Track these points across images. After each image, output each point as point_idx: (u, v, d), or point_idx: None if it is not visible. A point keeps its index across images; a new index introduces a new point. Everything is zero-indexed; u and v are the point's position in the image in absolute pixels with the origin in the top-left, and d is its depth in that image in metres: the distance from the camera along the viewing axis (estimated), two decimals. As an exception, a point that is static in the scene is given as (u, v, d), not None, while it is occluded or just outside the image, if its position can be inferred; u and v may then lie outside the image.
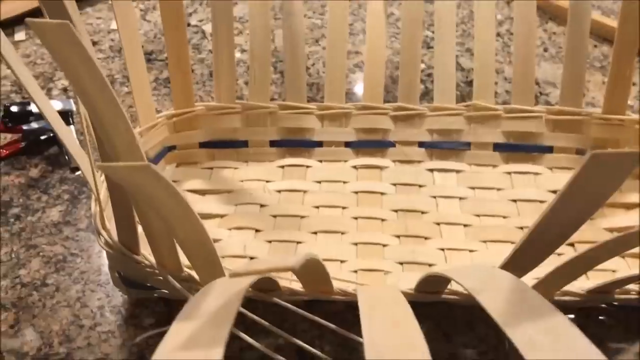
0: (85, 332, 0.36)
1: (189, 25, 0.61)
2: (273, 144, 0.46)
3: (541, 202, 0.43)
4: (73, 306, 0.37)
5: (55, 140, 0.48)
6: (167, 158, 0.45)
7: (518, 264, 0.25)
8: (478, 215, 0.42)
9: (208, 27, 0.60)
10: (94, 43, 0.59)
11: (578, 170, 0.18)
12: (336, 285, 0.32)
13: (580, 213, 0.21)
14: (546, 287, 0.29)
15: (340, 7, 0.45)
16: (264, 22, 0.44)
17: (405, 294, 0.32)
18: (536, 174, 0.45)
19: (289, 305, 0.31)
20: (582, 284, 0.33)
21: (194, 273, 0.32)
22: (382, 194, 0.44)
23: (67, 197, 0.44)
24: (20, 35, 0.59)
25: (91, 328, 0.36)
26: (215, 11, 0.43)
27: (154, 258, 0.32)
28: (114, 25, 0.61)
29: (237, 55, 0.58)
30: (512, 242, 0.40)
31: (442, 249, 0.40)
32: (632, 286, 0.33)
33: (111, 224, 0.34)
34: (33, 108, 0.47)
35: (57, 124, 0.29)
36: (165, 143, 0.45)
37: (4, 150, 0.47)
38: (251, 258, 0.39)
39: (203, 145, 0.46)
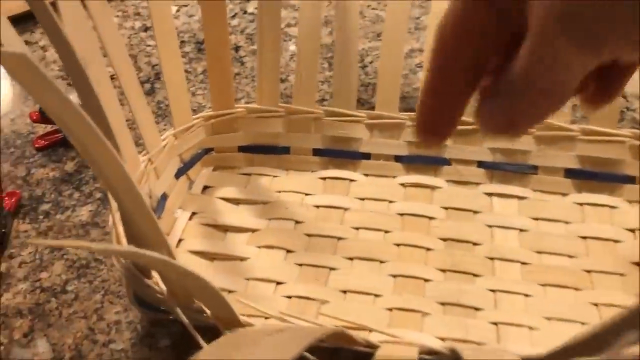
0: (98, 348, 0.34)
1: (245, 12, 0.58)
2: (316, 152, 0.43)
3: (615, 241, 0.37)
4: (89, 318, 0.36)
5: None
6: (204, 160, 0.42)
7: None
8: (539, 252, 0.37)
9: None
10: (147, 28, 0.57)
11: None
12: (360, 334, 0.29)
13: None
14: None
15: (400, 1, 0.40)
16: (315, 23, 0.40)
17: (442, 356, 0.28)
18: (613, 207, 0.39)
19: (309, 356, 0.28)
20: None
21: (204, 306, 0.29)
22: (430, 218, 0.39)
23: (99, 195, 0.42)
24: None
25: (104, 345, 0.34)
26: (262, 2, 0.39)
27: (165, 285, 0.29)
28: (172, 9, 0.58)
29: (292, 48, 0.54)
30: (576, 289, 0.35)
31: (493, 291, 0.35)
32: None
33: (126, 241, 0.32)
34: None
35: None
36: (203, 145, 0.42)
37: (43, 141, 0.46)
38: (278, 283, 0.36)
39: (242, 149, 0.43)
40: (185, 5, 0.59)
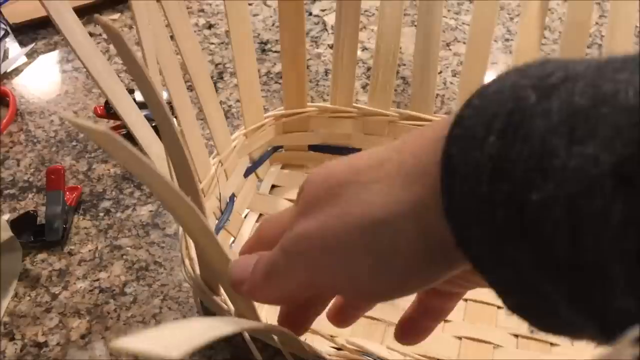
0: (157, 355, 0.32)
1: (309, 14, 0.56)
2: (389, 157, 0.40)
3: None
4: (148, 323, 0.34)
5: (157, 131, 0.45)
6: (273, 158, 0.41)
7: None
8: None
9: (330, 19, 0.55)
10: (210, 26, 0.55)
11: None
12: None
13: None
14: None
15: (488, 6, 0.38)
16: (395, 18, 0.38)
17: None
18: None
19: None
20: None
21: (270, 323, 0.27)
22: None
23: (160, 195, 0.41)
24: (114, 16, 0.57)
25: (163, 352, 0.32)
26: (342, 1, 0.37)
27: (232, 305, 0.28)
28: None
29: (358, 53, 0.52)
30: None
31: (572, 323, 0.32)
32: None
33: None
34: (137, 95, 0.44)
35: (140, 131, 0.25)
36: (272, 143, 0.40)
37: (105, 137, 0.45)
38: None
39: (312, 148, 0.41)
40: (250, 4, 0.57)
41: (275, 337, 0.26)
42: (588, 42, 0.52)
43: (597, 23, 0.55)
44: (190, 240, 0.29)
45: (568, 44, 0.37)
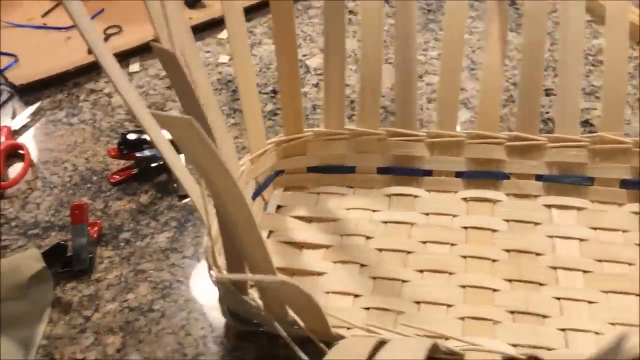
0: (189, 360, 0.36)
1: (294, 56, 0.61)
2: (381, 171, 0.45)
3: (674, 246, 0.39)
4: (177, 333, 0.37)
5: (165, 168, 0.49)
6: (276, 182, 0.45)
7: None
8: (600, 261, 0.39)
9: (312, 62, 0.61)
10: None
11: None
12: (443, 343, 0.30)
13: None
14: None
15: (455, 40, 0.43)
16: (376, 47, 0.42)
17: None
18: (670, 213, 0.41)
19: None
20: None
21: (298, 319, 0.31)
22: (493, 230, 0.41)
23: (175, 224, 0.45)
24: (134, 67, 0.62)
25: (194, 358, 0.36)
26: (329, 34, 0.42)
27: (262, 301, 0.31)
28: (221, 59, 0.62)
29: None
30: (637, 295, 0.36)
31: (558, 298, 0.37)
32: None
33: (222, 259, 0.34)
34: (147, 136, 0.48)
35: (169, 153, 0.30)
36: (275, 168, 0.45)
37: (117, 177, 0.48)
38: (356, 296, 0.37)
39: (311, 169, 0.45)
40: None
41: (302, 324, 0.30)
42: (544, 65, 0.59)
43: (550, 50, 0.61)
44: (216, 251, 0.33)
45: (525, 68, 0.43)
